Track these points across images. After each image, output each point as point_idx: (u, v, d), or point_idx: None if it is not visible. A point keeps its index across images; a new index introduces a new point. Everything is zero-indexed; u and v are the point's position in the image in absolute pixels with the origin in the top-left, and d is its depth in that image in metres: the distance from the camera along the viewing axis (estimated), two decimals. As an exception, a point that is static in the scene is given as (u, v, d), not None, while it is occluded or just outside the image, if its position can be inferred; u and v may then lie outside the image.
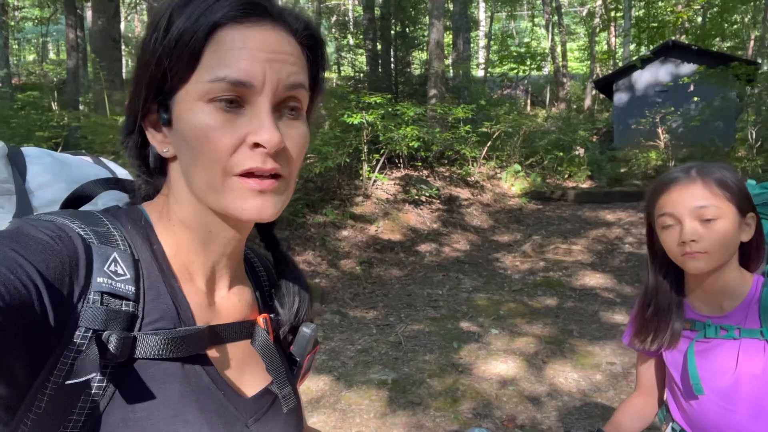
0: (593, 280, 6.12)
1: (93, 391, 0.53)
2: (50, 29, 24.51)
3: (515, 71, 15.77)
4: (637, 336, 1.32)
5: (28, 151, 0.75)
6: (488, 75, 17.52)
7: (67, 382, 0.51)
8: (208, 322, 0.64)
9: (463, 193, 9.33)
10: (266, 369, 0.68)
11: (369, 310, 5.39)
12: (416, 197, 8.40)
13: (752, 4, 13.31)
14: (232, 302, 0.70)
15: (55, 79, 17.27)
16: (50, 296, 0.49)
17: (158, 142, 0.63)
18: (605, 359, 4.10)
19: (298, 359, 0.75)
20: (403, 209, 8.12)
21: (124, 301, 0.56)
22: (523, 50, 16.43)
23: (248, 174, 0.57)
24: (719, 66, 10.84)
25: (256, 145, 0.57)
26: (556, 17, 20.89)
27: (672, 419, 1.32)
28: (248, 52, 0.56)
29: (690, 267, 1.18)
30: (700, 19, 16.03)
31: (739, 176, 1.21)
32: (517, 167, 10.38)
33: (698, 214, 1.15)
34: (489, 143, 10.19)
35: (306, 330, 0.75)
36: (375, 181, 8.31)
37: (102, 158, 0.83)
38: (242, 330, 0.69)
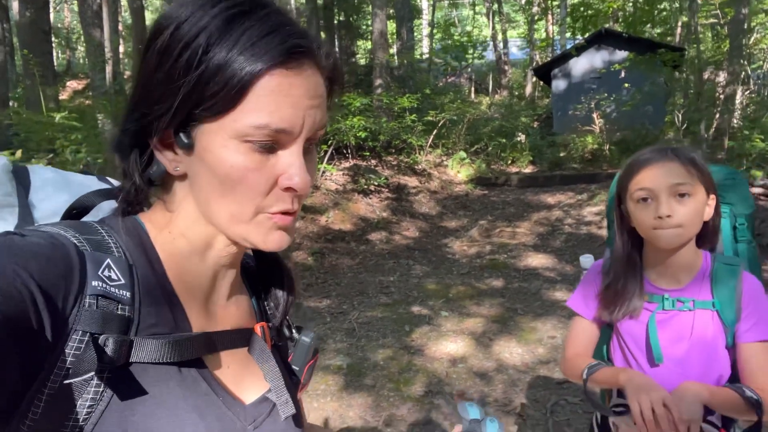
0: (536, 260, 6.43)
1: (90, 396, 0.53)
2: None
3: (456, 60, 16.03)
4: (606, 308, 1.39)
5: (33, 168, 0.77)
6: (432, 65, 17.78)
7: (65, 382, 0.51)
8: (204, 329, 0.64)
9: (411, 181, 9.51)
10: (264, 377, 0.68)
11: (322, 299, 5.49)
12: (365, 187, 8.51)
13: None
14: (229, 311, 0.70)
15: (-21, 74, 16.23)
16: (46, 302, 0.49)
17: (168, 160, 0.62)
18: (547, 333, 4.37)
19: (297, 368, 0.76)
20: (353, 199, 8.22)
21: (119, 305, 0.56)
22: (465, 39, 16.71)
23: (278, 212, 0.60)
24: (648, 53, 11.42)
25: (291, 189, 0.59)
26: (496, 5, 21.31)
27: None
28: (292, 99, 0.57)
29: (662, 241, 1.27)
30: (630, 7, 16.75)
31: (705, 159, 1.31)
32: (463, 154, 10.65)
33: (674, 190, 1.24)
34: (435, 131, 10.40)
35: (305, 339, 0.77)
36: (324, 172, 8.36)
37: (107, 178, 0.84)
38: (239, 338, 0.69)
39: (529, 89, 20.01)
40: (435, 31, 23.41)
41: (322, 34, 14.42)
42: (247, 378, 0.68)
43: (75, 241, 0.56)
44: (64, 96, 14.65)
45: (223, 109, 0.56)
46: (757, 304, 1.28)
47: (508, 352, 4.10)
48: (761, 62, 12.25)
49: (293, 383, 0.74)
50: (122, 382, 0.54)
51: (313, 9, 14.12)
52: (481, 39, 21.39)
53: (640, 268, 1.38)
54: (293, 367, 0.76)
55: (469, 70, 19.57)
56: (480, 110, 13.76)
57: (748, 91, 10.51)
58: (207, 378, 0.62)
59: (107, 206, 0.71)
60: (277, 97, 0.56)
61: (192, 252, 0.64)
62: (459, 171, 10.42)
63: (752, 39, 10.60)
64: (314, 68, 0.59)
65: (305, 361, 0.76)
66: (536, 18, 22.06)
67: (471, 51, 15.09)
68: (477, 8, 28.88)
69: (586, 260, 1.68)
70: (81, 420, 0.52)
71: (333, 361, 4.00)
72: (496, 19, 21.32)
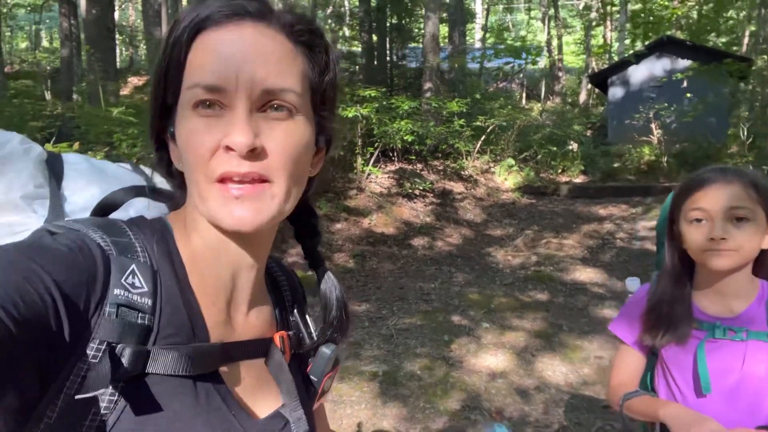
0: (584, 274, 6.19)
1: (104, 405, 0.52)
2: (43, 17, 24.29)
3: (511, 65, 15.78)
4: (648, 332, 1.32)
5: (68, 157, 0.76)
6: (484, 70, 17.59)
7: (77, 397, 0.50)
8: (223, 339, 0.63)
9: (457, 187, 9.38)
10: (279, 390, 0.67)
11: (361, 303, 5.44)
12: (410, 191, 8.44)
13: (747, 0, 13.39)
14: (249, 319, 0.68)
15: (48, 68, 17.13)
16: (66, 308, 0.49)
17: (176, 157, 0.63)
18: (593, 353, 4.17)
19: (315, 379, 0.73)
20: (397, 203, 8.16)
21: (139, 314, 0.55)
22: (518, 44, 16.42)
23: (227, 180, 0.56)
24: (713, 62, 10.89)
25: (229, 148, 0.55)
26: (552, 10, 20.86)
27: None
28: (221, 56, 0.56)
29: (713, 263, 1.21)
30: (695, 14, 16.05)
31: None
32: (511, 161, 10.43)
33: (732, 213, 1.19)
34: (483, 137, 10.23)
35: (326, 350, 0.73)
36: (369, 174, 8.34)
37: (141, 166, 0.83)
38: (257, 348, 0.67)
39: (583, 96, 19.48)
40: (488, 35, 23.13)
41: (374, 37, 14.45)
42: (263, 390, 0.66)
43: (102, 243, 0.56)
44: (125, 92, 15.24)
45: (178, 84, 0.58)
46: None
47: (551, 370, 3.94)
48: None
49: (309, 396, 0.72)
50: (137, 392, 0.54)
51: (366, 11, 14.17)
52: (535, 44, 20.98)
53: (689, 293, 1.31)
54: (311, 377, 0.73)
55: (521, 75, 19.22)
56: (531, 117, 13.47)
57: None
58: (221, 391, 0.60)
59: (137, 203, 0.72)
60: (205, 54, 0.56)
61: (207, 250, 0.63)
62: (506, 178, 10.21)
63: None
64: (259, 25, 0.58)
65: (324, 372, 0.73)
66: (594, 24, 21.46)
67: (524, 55, 14.77)
68: (532, 13, 28.38)
69: (632, 283, 1.58)
70: (94, 429, 0.52)
71: (369, 368, 3.94)
72: (552, 24, 20.86)
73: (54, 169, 0.76)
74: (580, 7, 23.54)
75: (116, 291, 0.54)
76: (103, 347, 0.52)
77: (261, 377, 0.67)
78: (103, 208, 0.69)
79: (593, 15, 21.06)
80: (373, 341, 4.46)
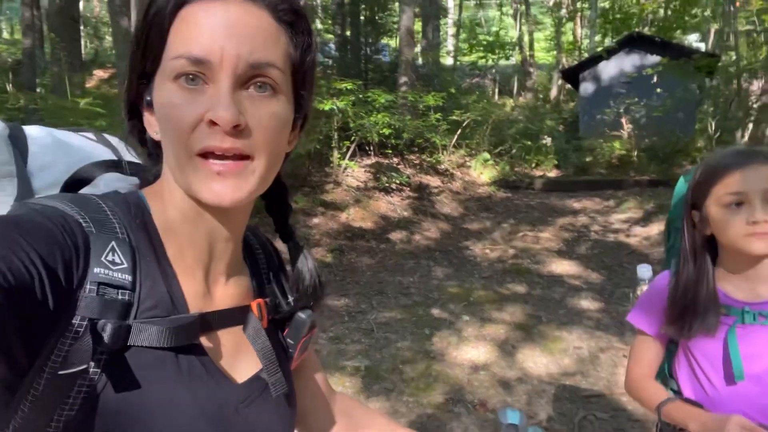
0: (560, 267, 6.25)
1: (88, 377, 0.54)
2: (3, 7, 23.41)
3: (484, 59, 15.86)
4: (674, 323, 1.29)
5: (30, 130, 0.73)
6: (457, 63, 17.60)
7: (60, 371, 0.52)
8: (201, 310, 0.64)
9: (434, 181, 9.38)
10: (257, 355, 0.68)
11: (341, 297, 5.38)
12: (387, 185, 8.39)
13: (712, -2, 13.74)
14: (227, 289, 0.70)
15: (9, 60, 16.52)
16: (50, 283, 0.50)
17: (150, 125, 0.63)
18: (572, 344, 4.21)
19: (291, 342, 0.75)
20: (374, 197, 8.11)
21: (120, 290, 0.56)
22: (491, 39, 16.51)
23: (209, 154, 0.57)
24: (682, 58, 11.13)
25: (213, 123, 0.55)
26: (523, 7, 21.04)
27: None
28: (206, 28, 0.56)
29: (755, 248, 1.17)
30: (662, 11, 16.38)
31: None
32: (486, 156, 10.48)
33: None
34: (459, 131, 10.25)
35: (302, 315, 0.75)
36: (345, 168, 8.27)
37: (106, 135, 0.82)
38: (235, 316, 0.69)
39: (554, 92, 19.71)
40: (461, 31, 23.20)
41: (348, 31, 14.35)
42: (242, 356, 0.69)
43: (81, 221, 0.56)
44: (90, 84, 14.79)
45: (159, 52, 0.58)
46: None
47: (532, 361, 3.95)
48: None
49: (287, 359, 0.75)
50: (119, 366, 0.55)
51: (339, 4, 14.05)
52: (507, 40, 21.13)
53: (713, 279, 1.27)
54: (288, 341, 0.75)
55: (494, 71, 19.34)
56: (504, 111, 13.56)
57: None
58: (202, 358, 0.63)
59: (108, 177, 0.71)
60: (190, 27, 0.56)
61: (184, 221, 0.64)
62: (482, 172, 10.25)
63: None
64: (247, 5, 0.58)
65: (300, 336, 0.75)
66: (564, 21, 21.72)
67: (497, 51, 14.86)
68: (504, 9, 28.57)
69: (644, 270, 1.54)
70: (80, 400, 0.53)
71: (350, 363, 3.88)
72: (523, 20, 21.04)
73: (17, 145, 0.73)
74: (551, 4, 23.79)
75: (96, 269, 0.54)
76: (85, 323, 0.53)
77: (240, 344, 0.69)
78: (74, 184, 0.69)
79: (563, 12, 21.31)
80: (354, 336, 4.41)
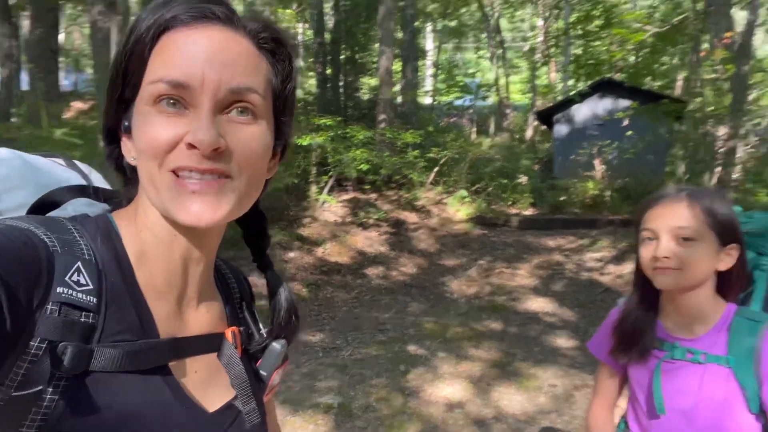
0: (536, 304, 6.27)
1: (45, 404, 0.51)
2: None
3: (461, 98, 16.20)
4: (616, 348, 1.33)
5: None
6: (435, 102, 17.97)
7: (14, 394, 0.50)
8: (173, 335, 0.63)
9: (411, 217, 9.41)
10: (231, 384, 0.67)
11: (315, 333, 5.29)
12: (364, 220, 8.39)
13: (680, 47, 14.36)
14: (200, 314, 0.68)
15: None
16: (9, 303, 0.48)
17: (127, 150, 0.63)
18: (547, 381, 4.19)
19: (264, 374, 0.74)
20: (351, 232, 8.09)
21: (83, 312, 0.54)
22: (468, 80, 16.92)
23: (184, 175, 0.56)
24: (651, 103, 11.52)
25: (192, 146, 0.55)
26: (500, 51, 21.70)
27: None
28: (188, 53, 0.56)
29: (659, 281, 1.22)
30: (633, 58, 17.05)
31: (730, 206, 1.24)
32: (464, 193, 10.59)
33: (676, 233, 1.19)
34: (436, 169, 10.36)
35: (276, 345, 0.74)
36: (323, 203, 8.26)
37: (76, 162, 0.81)
38: (208, 343, 0.68)
39: (529, 133, 20.16)
40: (439, 72, 23.77)
41: (329, 69, 14.58)
42: (214, 384, 0.67)
43: (47, 240, 0.54)
44: (68, 115, 14.67)
45: (138, 78, 0.58)
46: None
47: (508, 399, 3.92)
48: (761, 119, 12.38)
49: (260, 389, 0.73)
50: (79, 391, 0.53)
51: (321, 43, 14.32)
52: (485, 81, 21.70)
53: (654, 311, 1.31)
54: (261, 372, 0.74)
55: (471, 111, 19.77)
56: (482, 150, 13.79)
57: (749, 146, 10.56)
58: (171, 385, 0.61)
59: (78, 203, 0.69)
60: (171, 52, 0.57)
61: (158, 244, 0.62)
62: (459, 209, 10.33)
63: (752, 96, 10.71)
64: (226, 29, 0.58)
65: (274, 367, 0.74)
66: (538, 65, 22.42)
67: (473, 91, 15.22)
68: (481, 52, 29.43)
69: (622, 303, 1.58)
70: (35, 428, 0.51)
71: (323, 400, 3.80)
72: (500, 63, 21.69)
73: None
74: (526, 49, 24.58)
75: (59, 289, 0.53)
76: (44, 345, 0.51)
77: (212, 371, 0.67)
78: (42, 207, 0.67)
79: (538, 56, 22.03)
80: (328, 372, 4.33)
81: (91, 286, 0.55)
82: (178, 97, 0.56)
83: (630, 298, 1.35)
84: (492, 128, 20.87)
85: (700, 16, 11.66)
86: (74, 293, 0.54)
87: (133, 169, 0.63)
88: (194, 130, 0.55)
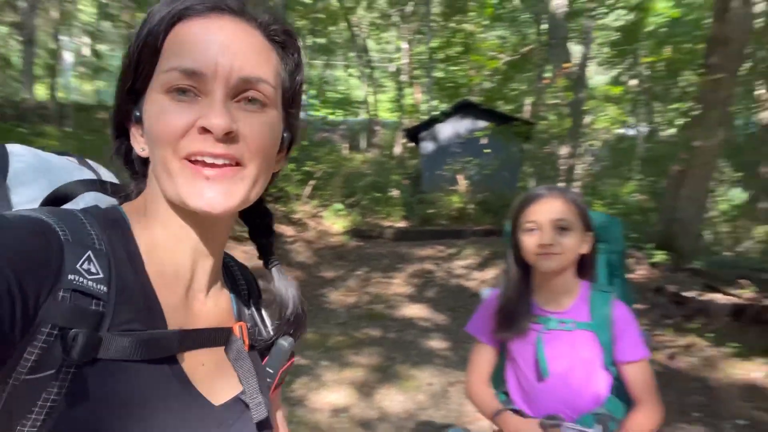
0: (411, 310, 6.61)
1: (55, 390, 0.51)
2: None
3: (333, 114, 16.49)
4: (498, 328, 1.52)
5: (12, 148, 0.72)
6: (310, 117, 18.10)
7: (27, 377, 0.50)
8: (181, 326, 0.62)
9: (288, 230, 9.40)
10: (238, 378, 0.67)
11: (193, 351, 5.10)
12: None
13: (527, 74, 16.03)
14: (208, 307, 0.68)
15: None
16: (20, 290, 0.48)
17: (137, 142, 0.63)
18: (425, 381, 4.47)
19: (271, 371, 0.74)
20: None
21: (94, 300, 0.54)
22: (341, 96, 17.28)
23: (198, 160, 0.57)
24: (504, 124, 12.70)
25: (205, 130, 0.56)
26: (369, 70, 22.45)
27: (511, 403, 1.55)
28: (201, 43, 0.57)
29: (542, 265, 1.45)
30: (488, 84, 18.63)
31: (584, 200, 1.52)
32: (339, 206, 10.81)
33: (556, 224, 1.44)
34: (312, 182, 10.47)
35: (283, 343, 0.74)
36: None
37: (88, 160, 0.81)
38: (217, 336, 0.67)
39: (398, 149, 21.04)
40: (309, 88, 23.96)
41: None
42: (221, 378, 0.66)
43: (58, 229, 0.54)
44: None
45: (150, 68, 0.59)
46: (629, 328, 1.47)
47: (389, 400, 4.12)
48: (594, 141, 14.20)
49: (266, 386, 0.73)
50: (89, 378, 0.53)
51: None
52: (355, 98, 22.29)
53: (529, 292, 1.54)
54: (268, 369, 0.74)
55: (344, 127, 20.18)
56: (354, 165, 14.16)
57: (586, 164, 12.09)
58: (179, 376, 0.60)
59: (89, 197, 0.69)
60: (185, 41, 0.57)
61: (167, 237, 0.63)
62: (335, 222, 10.52)
63: (587, 120, 12.29)
64: (238, 20, 0.60)
65: (281, 364, 0.74)
66: (403, 86, 23.55)
67: (347, 108, 15.63)
68: (351, 71, 30.17)
69: (486, 292, 1.81)
70: (44, 414, 0.51)
71: (208, 417, 3.70)
72: (369, 81, 22.43)
73: None
74: (392, 70, 25.68)
75: (70, 276, 0.52)
76: (55, 332, 0.51)
77: (220, 365, 0.67)
78: (55, 200, 0.67)
79: (403, 78, 23.14)
80: (210, 389, 4.21)
81: (101, 275, 0.55)
82: (190, 87, 0.57)
83: (506, 284, 1.57)
84: (363, 144, 21.45)
85: (543, 48, 13.13)
86: (85, 281, 0.53)
87: (142, 162, 0.65)
88: (206, 115, 0.55)
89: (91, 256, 0.55)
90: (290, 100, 0.66)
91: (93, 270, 0.54)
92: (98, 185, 0.71)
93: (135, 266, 0.60)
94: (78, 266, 0.53)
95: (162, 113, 0.57)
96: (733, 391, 4.37)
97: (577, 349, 1.47)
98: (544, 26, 13.96)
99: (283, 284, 0.75)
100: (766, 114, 11.93)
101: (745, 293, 6.37)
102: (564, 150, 11.22)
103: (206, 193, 0.57)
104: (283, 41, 0.64)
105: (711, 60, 7.47)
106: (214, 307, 0.69)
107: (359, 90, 25.68)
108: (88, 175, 0.76)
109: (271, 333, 0.75)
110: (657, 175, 11.70)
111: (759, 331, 5.29)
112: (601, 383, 1.48)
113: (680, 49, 11.76)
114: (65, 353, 0.50)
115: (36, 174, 0.69)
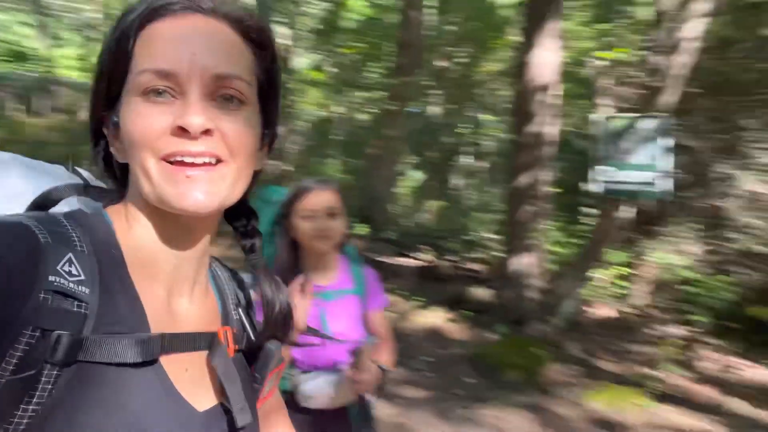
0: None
1: (37, 393, 0.51)
2: None
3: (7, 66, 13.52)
4: None
5: (0, 155, 0.67)
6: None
7: (9, 378, 0.49)
8: (165, 329, 0.61)
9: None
10: (221, 383, 0.65)
11: None
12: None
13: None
14: (193, 312, 0.67)
15: None
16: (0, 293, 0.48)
17: (116, 148, 0.62)
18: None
19: (258, 376, 0.73)
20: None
21: (75, 302, 0.53)
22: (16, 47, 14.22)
23: (177, 161, 0.56)
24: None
25: (182, 129, 0.55)
26: (45, 18, 19.00)
27: (296, 368, 1.75)
28: (173, 41, 0.57)
29: (320, 247, 1.70)
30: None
31: None
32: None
33: (329, 211, 1.69)
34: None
35: (270, 347, 0.73)
36: None
37: (77, 168, 0.75)
38: (200, 341, 0.66)
39: (84, 114, 18.55)
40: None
41: None
42: (205, 382, 0.65)
43: (38, 232, 0.54)
44: None
45: (124, 74, 0.58)
46: (376, 286, 1.88)
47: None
48: (300, 122, 15.13)
49: (253, 391, 0.73)
50: (72, 381, 0.52)
51: None
52: (28, 50, 18.65)
53: (299, 271, 1.74)
54: (255, 374, 0.74)
55: (20, 85, 16.72)
56: (36, 133, 11.98)
57: (296, 144, 12.83)
58: (162, 380, 0.59)
59: (75, 201, 0.68)
60: (156, 42, 0.57)
61: (150, 240, 0.62)
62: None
63: (295, 101, 13.02)
64: (209, 18, 0.60)
65: (269, 369, 0.74)
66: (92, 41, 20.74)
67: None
68: (18, 16, 24.94)
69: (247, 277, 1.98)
70: (27, 417, 0.50)
71: None
72: (45, 32, 19.02)
73: None
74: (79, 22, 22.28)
75: (51, 278, 0.52)
76: (37, 333, 0.50)
77: (203, 370, 0.66)
78: (40, 205, 0.65)
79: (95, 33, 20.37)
80: None
81: (83, 277, 0.54)
82: (165, 87, 0.56)
83: (281, 265, 1.74)
84: (39, 105, 18.16)
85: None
86: (66, 282, 0.53)
87: (122, 168, 0.63)
88: (183, 114, 0.55)
89: (72, 258, 0.54)
90: (267, 95, 0.66)
91: (74, 272, 0.54)
92: (84, 189, 0.69)
93: (117, 269, 0.59)
94: (59, 267, 0.53)
95: (138, 116, 0.57)
96: (420, 335, 5.48)
97: (349, 312, 1.79)
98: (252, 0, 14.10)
99: (270, 286, 0.75)
100: (434, 108, 14.57)
101: (426, 257, 7.92)
102: (282, 130, 11.68)
103: (188, 193, 0.57)
104: (257, 36, 0.64)
105: (400, 60, 8.89)
106: (199, 310, 0.68)
107: (32, 41, 21.50)
108: (75, 180, 0.72)
109: (258, 337, 0.75)
110: (356, 157, 13.18)
111: (437, 287, 6.70)
112: (363, 331, 1.85)
113: (372, 45, 13.28)
114: (47, 355, 0.50)
115: (21, 178, 0.66)
